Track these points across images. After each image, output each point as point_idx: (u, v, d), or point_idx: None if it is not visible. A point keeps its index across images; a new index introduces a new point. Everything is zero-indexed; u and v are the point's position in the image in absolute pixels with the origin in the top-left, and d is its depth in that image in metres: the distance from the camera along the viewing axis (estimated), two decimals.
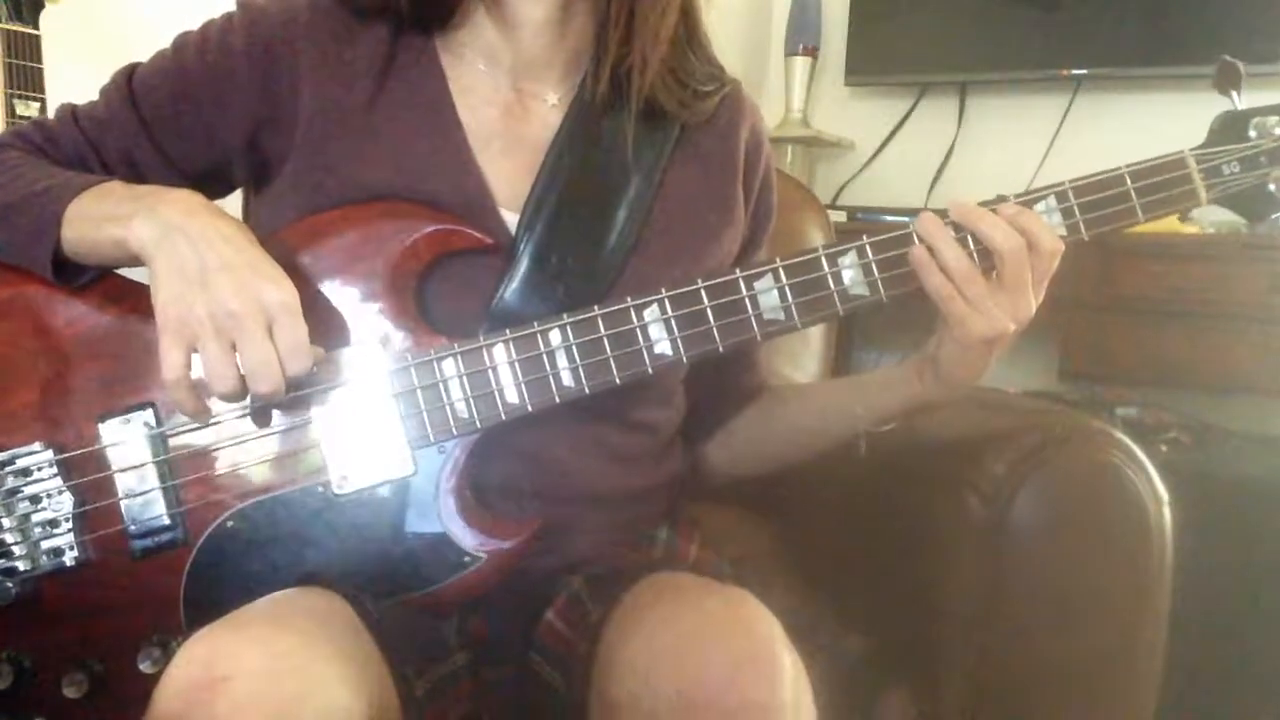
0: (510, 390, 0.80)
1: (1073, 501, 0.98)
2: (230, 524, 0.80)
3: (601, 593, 0.82)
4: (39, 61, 1.43)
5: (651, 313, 0.81)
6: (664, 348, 0.81)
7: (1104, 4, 2.24)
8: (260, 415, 0.79)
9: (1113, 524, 0.98)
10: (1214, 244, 1.93)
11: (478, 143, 0.88)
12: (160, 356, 0.73)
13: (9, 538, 0.80)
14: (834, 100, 2.66)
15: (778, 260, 0.82)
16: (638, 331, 0.81)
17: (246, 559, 0.80)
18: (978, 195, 0.83)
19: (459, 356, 0.80)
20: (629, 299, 0.81)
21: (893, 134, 2.58)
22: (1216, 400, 1.96)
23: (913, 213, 0.84)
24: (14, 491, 0.80)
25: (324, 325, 0.78)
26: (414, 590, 0.81)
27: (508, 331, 0.80)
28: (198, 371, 0.74)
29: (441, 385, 0.80)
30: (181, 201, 0.77)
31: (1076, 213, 0.83)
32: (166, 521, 0.80)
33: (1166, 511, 0.99)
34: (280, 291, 0.74)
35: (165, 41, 0.91)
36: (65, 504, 0.80)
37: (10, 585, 0.80)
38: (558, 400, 0.81)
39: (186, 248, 0.74)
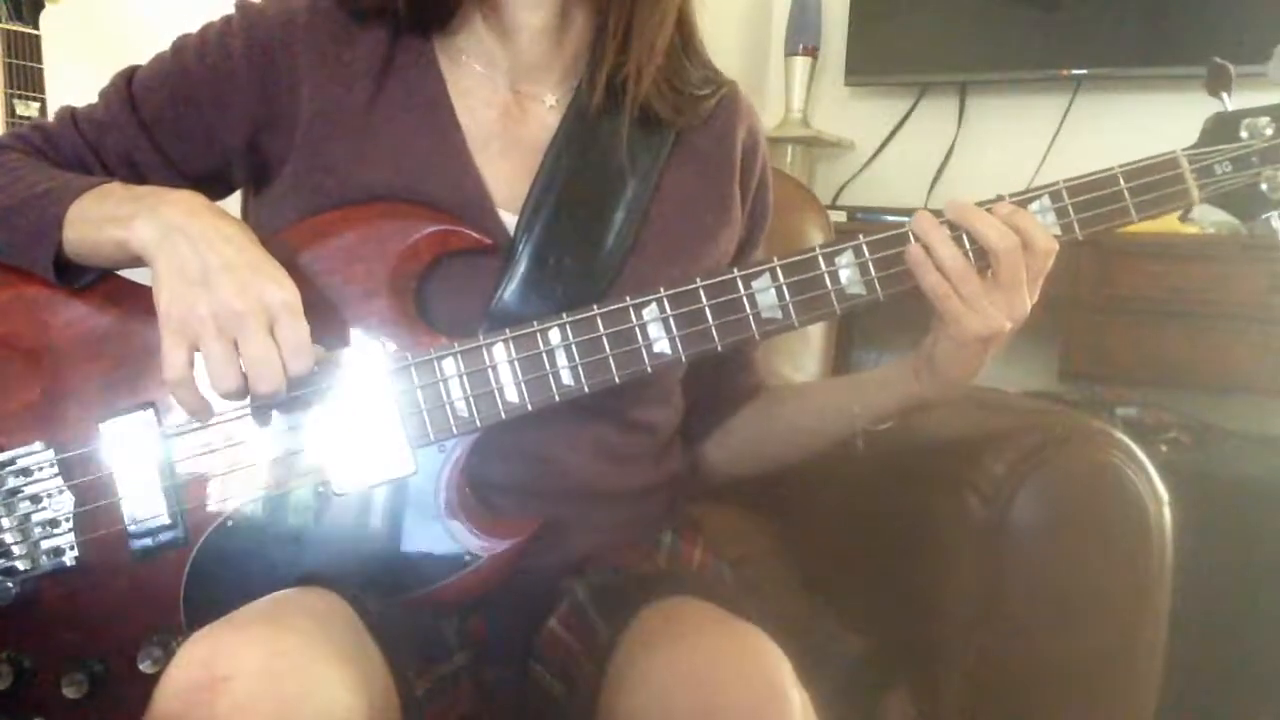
0: (510, 389, 0.80)
1: (1073, 501, 0.98)
2: (230, 524, 0.80)
3: (607, 607, 0.82)
4: (39, 61, 1.43)
5: (650, 312, 0.81)
6: (663, 346, 0.82)
7: (1104, 4, 2.24)
8: (261, 415, 0.79)
9: (1113, 524, 0.98)
10: (1214, 244, 1.93)
11: (476, 144, 0.88)
12: (162, 356, 0.73)
13: (9, 538, 0.80)
14: (834, 100, 2.66)
15: (775, 259, 0.83)
16: (637, 330, 0.81)
17: (246, 559, 0.80)
18: (978, 195, 0.83)
19: (459, 356, 0.80)
20: (628, 298, 0.81)
21: (893, 134, 2.58)
22: (1216, 400, 1.96)
23: (912, 213, 0.84)
24: (14, 491, 0.80)
25: (324, 325, 0.78)
26: (414, 590, 0.81)
27: (507, 330, 0.80)
28: (199, 371, 0.74)
29: (442, 384, 0.80)
30: (183, 202, 0.78)
31: (1070, 212, 0.83)
32: (167, 521, 0.80)
33: (1166, 511, 0.99)
34: (282, 290, 0.74)
35: (165, 41, 0.91)
36: (66, 504, 0.80)
37: (10, 585, 0.80)
38: (557, 399, 0.81)
39: (188, 248, 0.74)
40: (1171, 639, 1.01)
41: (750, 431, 1.03)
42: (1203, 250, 1.93)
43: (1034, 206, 0.83)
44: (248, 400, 0.76)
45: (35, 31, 1.43)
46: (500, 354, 0.80)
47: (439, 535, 0.81)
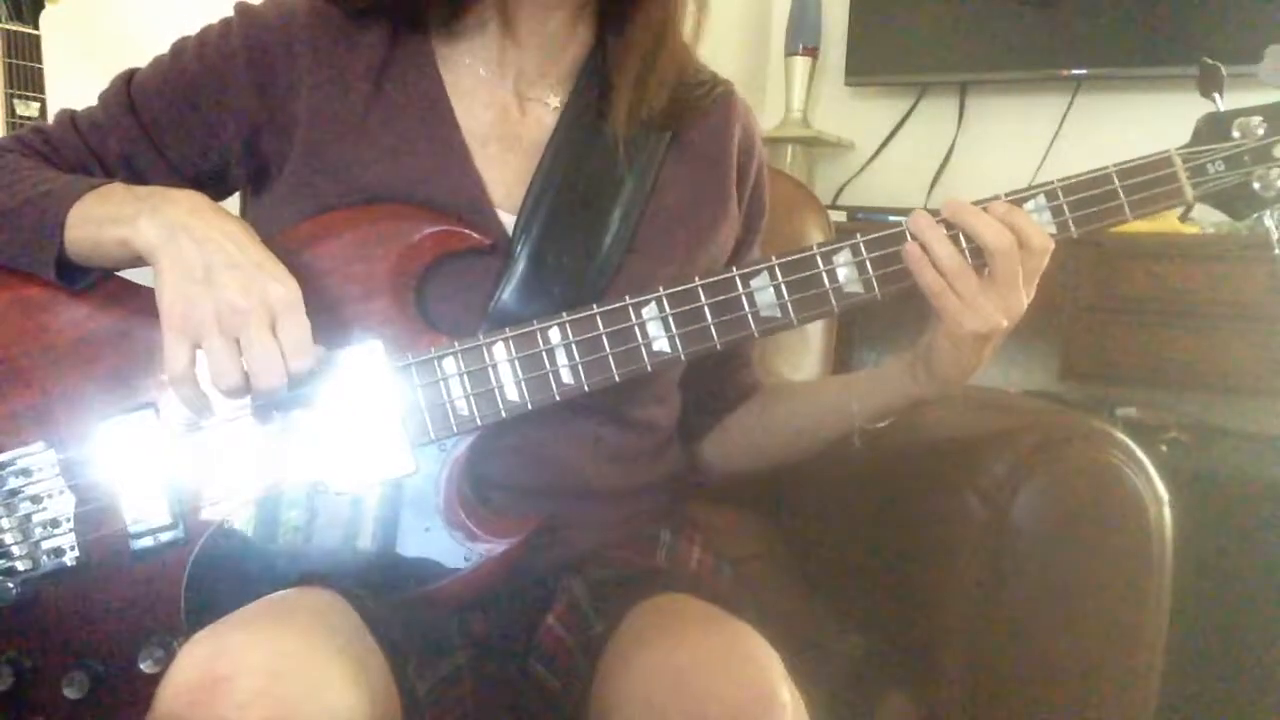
0: (510, 388, 0.81)
1: (1073, 501, 0.98)
2: (230, 523, 0.80)
3: (604, 603, 0.82)
4: (39, 61, 1.43)
5: (649, 311, 0.82)
6: (662, 345, 0.82)
7: (1104, 4, 2.24)
8: (261, 413, 0.79)
9: (1113, 524, 0.98)
10: (1214, 244, 1.93)
11: (475, 145, 0.88)
12: (164, 352, 0.74)
13: (9, 538, 0.80)
14: (834, 100, 2.66)
15: (773, 258, 0.83)
16: (636, 329, 0.81)
17: (247, 558, 0.80)
18: (978, 195, 0.84)
19: (459, 355, 0.80)
20: (627, 297, 0.81)
21: (893, 134, 2.58)
22: (1216, 400, 1.96)
23: (912, 213, 0.84)
24: (15, 492, 0.80)
25: (325, 325, 0.78)
26: (415, 588, 0.81)
27: (507, 330, 0.81)
28: (200, 369, 0.74)
29: (442, 383, 0.80)
30: (185, 201, 0.78)
31: (1065, 211, 0.84)
32: (167, 521, 0.80)
33: (1166, 511, 0.99)
34: (285, 289, 0.74)
35: (165, 42, 0.91)
36: (66, 504, 0.80)
37: (11, 585, 0.80)
38: (557, 398, 0.81)
39: (191, 247, 0.74)
40: (1171, 639, 1.01)
41: (748, 429, 1.03)
42: (1203, 250, 1.93)
43: (1029, 205, 0.83)
44: (248, 399, 0.76)
45: (35, 31, 1.43)
46: (500, 353, 0.81)
47: (439, 534, 0.81)
